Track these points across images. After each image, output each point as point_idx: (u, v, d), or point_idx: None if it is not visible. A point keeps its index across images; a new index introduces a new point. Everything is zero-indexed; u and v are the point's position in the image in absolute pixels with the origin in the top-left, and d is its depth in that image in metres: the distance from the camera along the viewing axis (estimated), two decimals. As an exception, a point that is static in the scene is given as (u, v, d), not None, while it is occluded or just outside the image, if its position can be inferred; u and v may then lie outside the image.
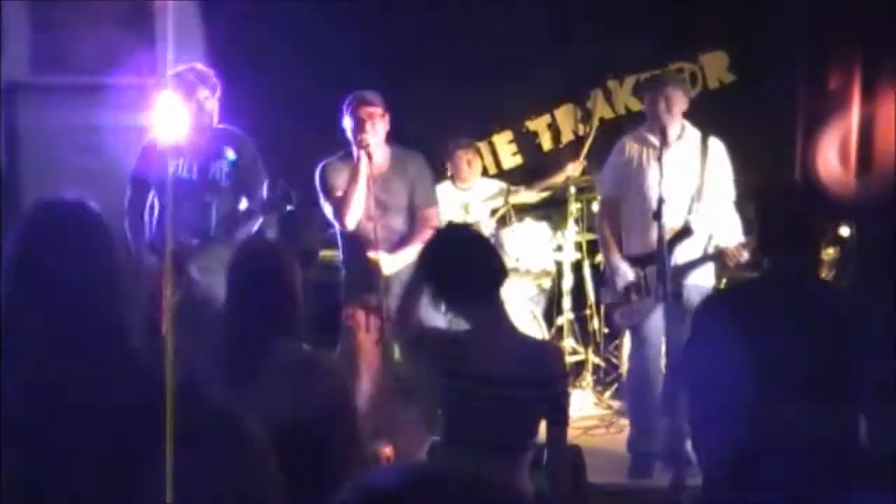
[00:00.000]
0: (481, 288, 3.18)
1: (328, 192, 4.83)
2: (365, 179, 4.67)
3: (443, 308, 3.43)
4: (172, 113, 4.80)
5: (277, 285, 2.97)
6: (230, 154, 4.93)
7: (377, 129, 4.72)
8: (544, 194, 6.58)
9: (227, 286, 3.14)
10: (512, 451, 3.09)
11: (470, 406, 3.09)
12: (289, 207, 4.69)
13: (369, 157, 4.67)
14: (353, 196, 4.70)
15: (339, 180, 4.78)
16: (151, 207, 4.97)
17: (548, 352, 3.32)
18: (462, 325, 3.33)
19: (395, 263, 4.69)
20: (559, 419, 3.20)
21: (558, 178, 6.38)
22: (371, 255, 4.69)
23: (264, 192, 4.84)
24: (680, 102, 4.90)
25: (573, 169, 6.28)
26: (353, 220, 4.75)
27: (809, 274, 3.06)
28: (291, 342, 2.95)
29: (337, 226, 4.88)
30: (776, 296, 2.95)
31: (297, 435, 2.72)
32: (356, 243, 4.82)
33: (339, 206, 4.75)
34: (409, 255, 4.44)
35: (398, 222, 4.82)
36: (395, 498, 1.14)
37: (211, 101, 4.87)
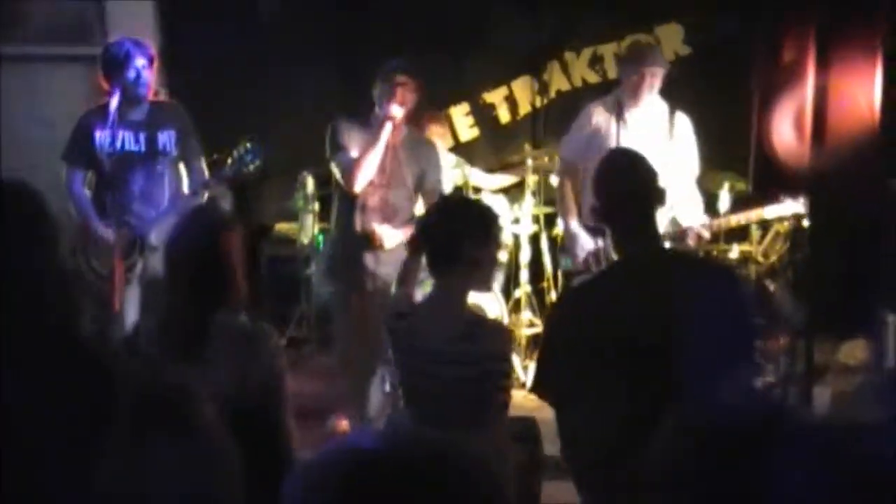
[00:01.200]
0: (436, 261, 3.14)
1: (339, 150, 4.70)
2: (383, 147, 4.60)
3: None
4: (111, 83, 4.76)
5: (210, 256, 2.82)
6: (174, 119, 4.92)
7: (406, 100, 4.65)
8: (502, 184, 6.59)
9: (163, 260, 3.07)
10: (463, 427, 2.84)
11: (414, 381, 3.07)
12: (257, 162, 4.69)
13: (394, 126, 4.61)
14: (367, 160, 4.60)
15: (354, 141, 4.68)
16: (96, 183, 4.91)
17: (483, 329, 3.11)
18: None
19: (397, 238, 4.60)
20: (490, 400, 3.05)
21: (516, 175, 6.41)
22: (375, 226, 4.64)
23: (202, 164, 4.84)
24: (660, 81, 4.87)
25: (532, 153, 6.31)
26: (361, 184, 4.63)
27: (658, 254, 3.00)
28: (228, 316, 2.83)
29: (344, 187, 4.73)
30: (628, 281, 2.88)
31: (237, 411, 2.68)
32: (354, 211, 4.71)
33: (352, 168, 4.63)
34: (408, 232, 4.30)
35: (399, 196, 4.72)
36: (381, 461, 1.12)
37: (148, 71, 4.82)
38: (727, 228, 5.40)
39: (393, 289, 3.66)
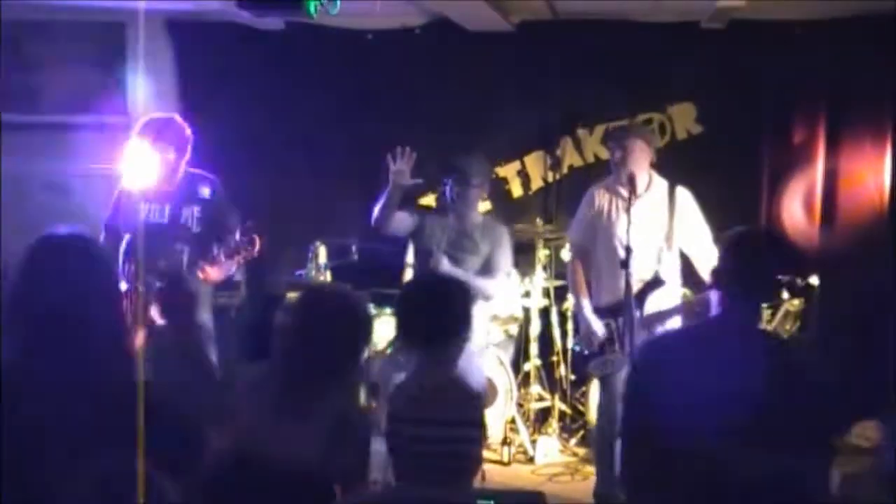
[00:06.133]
0: (428, 339, 3.20)
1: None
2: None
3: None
4: (142, 160, 4.84)
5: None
6: (202, 196, 4.98)
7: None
8: None
9: (288, 328, 3.16)
10: (447, 494, 2.88)
11: (399, 448, 3.09)
12: (249, 248, 4.77)
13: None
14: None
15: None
16: (126, 252, 4.97)
17: (456, 392, 3.08)
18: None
19: None
20: (458, 467, 2.95)
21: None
22: None
23: (237, 235, 4.88)
24: (640, 153, 4.93)
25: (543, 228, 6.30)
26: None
27: (753, 322, 3.13)
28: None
29: None
30: (720, 341, 2.96)
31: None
32: None
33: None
34: None
35: None
36: None
37: (180, 150, 4.90)
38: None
39: None
